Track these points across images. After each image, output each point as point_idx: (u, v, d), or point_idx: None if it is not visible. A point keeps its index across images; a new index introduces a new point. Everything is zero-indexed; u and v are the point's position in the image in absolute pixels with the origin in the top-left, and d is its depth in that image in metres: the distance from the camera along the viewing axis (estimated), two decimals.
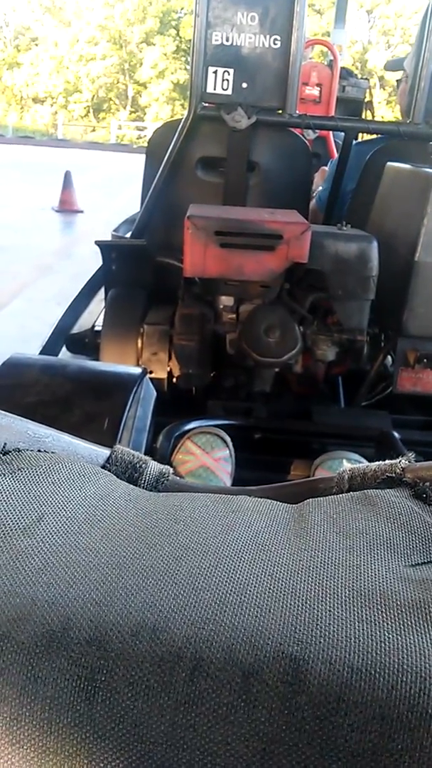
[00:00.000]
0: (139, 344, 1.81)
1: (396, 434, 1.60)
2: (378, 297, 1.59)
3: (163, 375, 1.78)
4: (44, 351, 2.09)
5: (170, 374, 1.80)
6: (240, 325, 1.65)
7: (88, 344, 2.16)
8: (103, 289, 2.18)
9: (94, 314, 2.47)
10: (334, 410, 1.86)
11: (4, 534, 0.29)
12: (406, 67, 1.96)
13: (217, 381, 1.84)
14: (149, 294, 1.92)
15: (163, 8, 31.27)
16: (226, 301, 1.67)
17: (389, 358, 1.77)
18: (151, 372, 1.70)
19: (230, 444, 1.46)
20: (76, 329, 2.36)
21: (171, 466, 0.49)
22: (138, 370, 1.08)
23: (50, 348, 2.14)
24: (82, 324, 2.41)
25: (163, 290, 1.89)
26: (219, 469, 1.41)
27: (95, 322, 2.35)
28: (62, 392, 0.98)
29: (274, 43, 1.76)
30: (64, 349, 2.20)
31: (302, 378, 1.83)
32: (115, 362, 1.77)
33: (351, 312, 1.61)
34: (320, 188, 2.34)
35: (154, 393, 1.11)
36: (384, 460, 0.39)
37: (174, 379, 1.79)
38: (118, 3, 31.14)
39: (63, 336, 2.25)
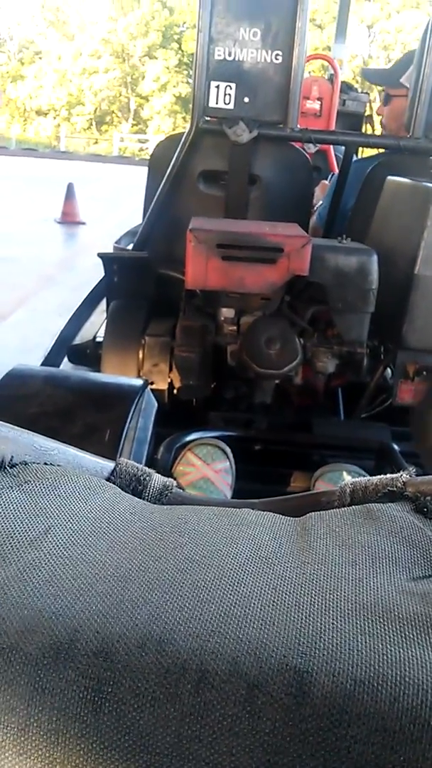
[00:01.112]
0: (141, 355, 1.81)
1: (395, 446, 1.61)
2: (378, 310, 1.59)
3: (164, 386, 1.79)
4: (46, 362, 2.09)
5: (171, 385, 1.80)
6: (241, 336, 1.65)
7: (89, 355, 2.16)
8: (104, 301, 2.19)
9: (96, 325, 2.48)
10: (333, 422, 1.86)
11: (11, 546, 0.30)
12: (405, 82, 1.98)
13: (218, 392, 1.84)
14: (150, 306, 1.93)
15: (166, 22, 31.60)
16: (227, 313, 1.67)
17: (389, 370, 1.78)
18: (151, 383, 1.71)
19: (231, 455, 1.47)
20: (77, 340, 2.36)
21: (172, 477, 0.50)
22: (139, 382, 1.08)
23: (52, 359, 2.14)
24: (84, 335, 2.42)
25: (164, 302, 1.90)
26: (219, 480, 1.41)
27: (97, 333, 2.36)
28: (64, 403, 0.98)
29: (276, 58, 1.78)
30: (65, 360, 2.21)
31: (302, 390, 1.83)
32: (117, 373, 1.77)
33: (351, 324, 1.62)
34: (320, 203, 2.35)
35: (155, 404, 1.12)
36: (384, 472, 0.40)
37: (175, 391, 1.80)
38: (121, 17, 31.48)
39: (65, 347, 2.26)
